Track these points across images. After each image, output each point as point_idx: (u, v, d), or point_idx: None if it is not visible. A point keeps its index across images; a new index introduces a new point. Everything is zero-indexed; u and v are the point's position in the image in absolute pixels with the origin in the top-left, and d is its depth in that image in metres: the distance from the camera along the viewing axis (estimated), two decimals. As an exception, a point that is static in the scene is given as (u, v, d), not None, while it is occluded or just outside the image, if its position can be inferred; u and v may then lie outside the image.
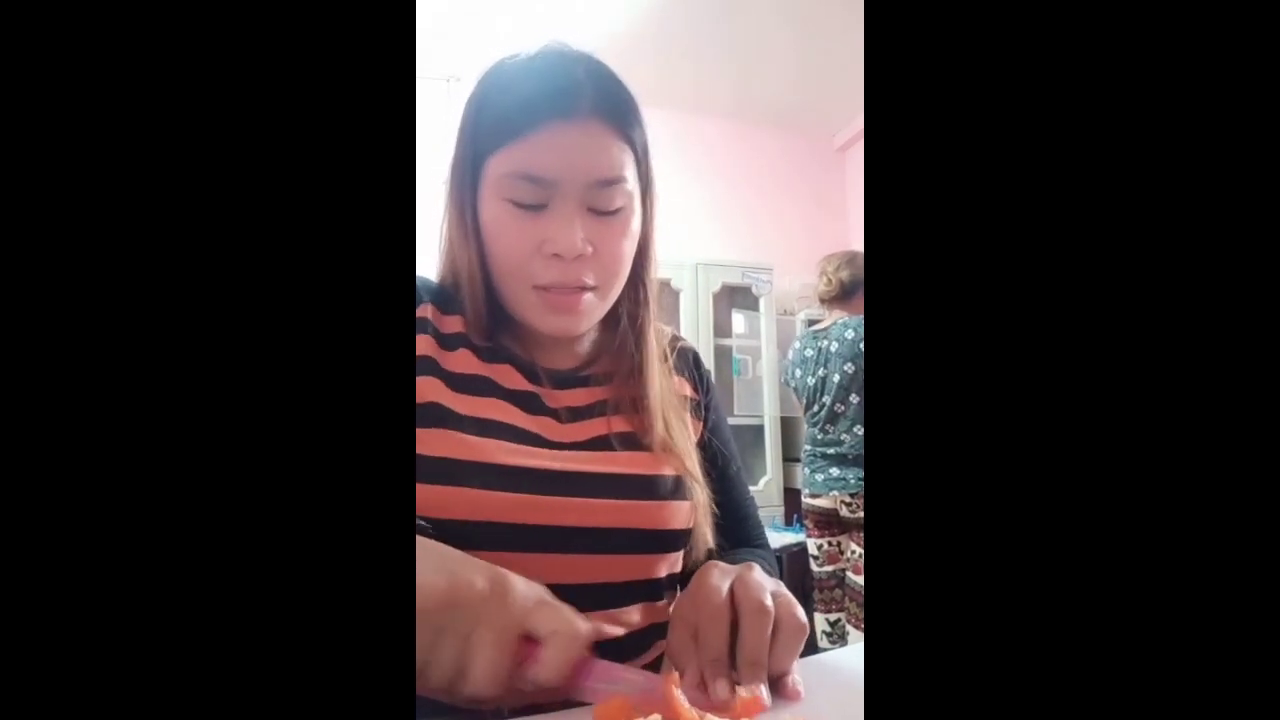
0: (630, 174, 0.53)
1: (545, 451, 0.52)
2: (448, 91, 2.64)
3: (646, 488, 0.54)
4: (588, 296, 0.53)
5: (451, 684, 0.35)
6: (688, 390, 0.65)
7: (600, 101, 0.52)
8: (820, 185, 3.49)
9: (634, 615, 0.54)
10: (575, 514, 0.50)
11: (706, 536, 0.57)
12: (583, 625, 0.37)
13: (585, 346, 0.62)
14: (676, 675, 0.36)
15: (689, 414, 0.63)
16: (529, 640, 0.36)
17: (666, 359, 0.63)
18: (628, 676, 0.37)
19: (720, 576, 0.43)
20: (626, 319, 0.60)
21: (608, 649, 0.51)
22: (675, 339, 0.68)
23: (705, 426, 0.65)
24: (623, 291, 0.58)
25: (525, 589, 0.37)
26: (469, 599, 0.35)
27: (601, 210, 0.52)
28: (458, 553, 0.38)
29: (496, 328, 0.57)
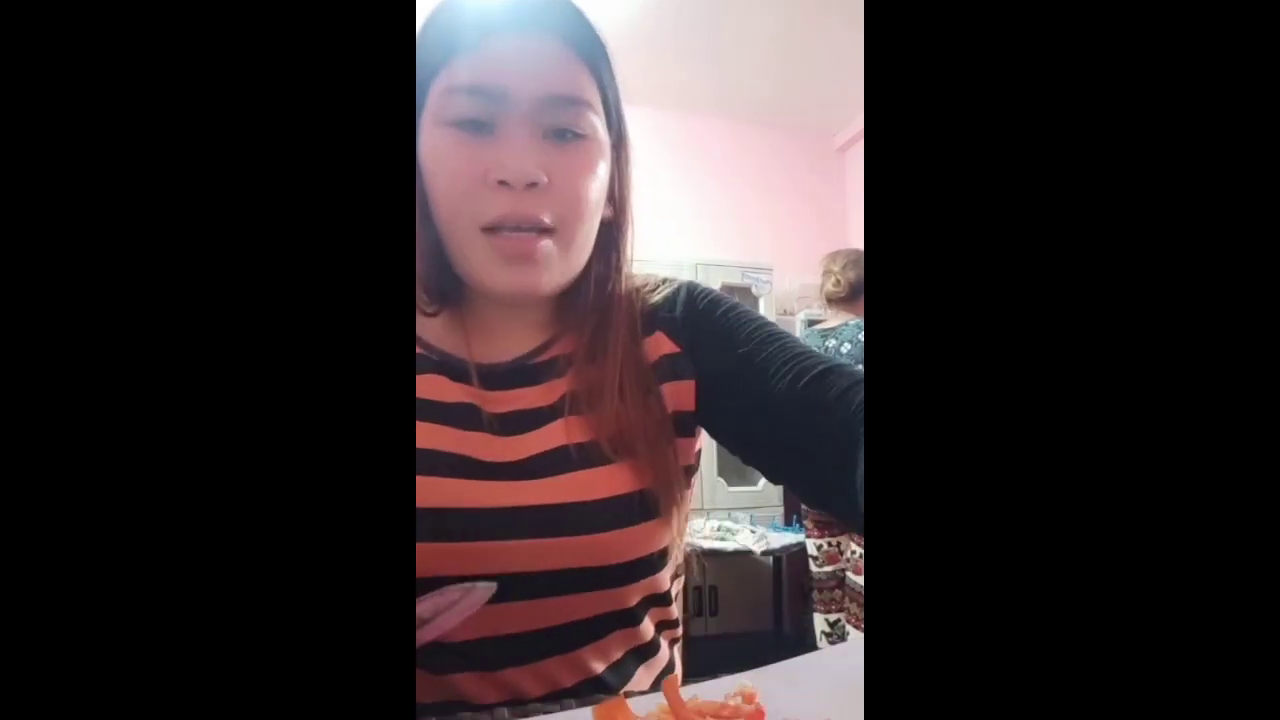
0: (595, 101, 0.46)
1: (484, 485, 0.44)
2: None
3: (602, 517, 0.45)
4: (545, 243, 0.44)
5: None
6: (666, 347, 0.51)
7: (561, 22, 0.45)
8: (820, 185, 3.49)
9: (612, 649, 0.49)
10: (526, 558, 0.43)
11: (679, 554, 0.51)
12: None
13: (540, 325, 0.52)
14: (677, 676, 0.35)
15: (672, 377, 0.51)
16: None
17: (636, 325, 0.51)
18: (450, 598, 0.34)
19: None
20: (595, 285, 0.49)
21: (591, 686, 0.47)
22: (660, 284, 0.55)
23: (702, 375, 0.50)
24: (594, 253, 0.49)
25: None
26: None
27: (560, 132, 0.44)
28: None
29: (443, 297, 0.48)
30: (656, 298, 0.54)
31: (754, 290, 2.96)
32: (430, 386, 0.47)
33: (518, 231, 0.43)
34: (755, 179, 3.35)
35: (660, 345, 0.52)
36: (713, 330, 0.51)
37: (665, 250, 2.82)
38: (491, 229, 0.44)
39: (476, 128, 0.43)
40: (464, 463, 0.45)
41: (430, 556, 0.41)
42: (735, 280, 2.93)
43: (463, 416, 0.47)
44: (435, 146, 0.44)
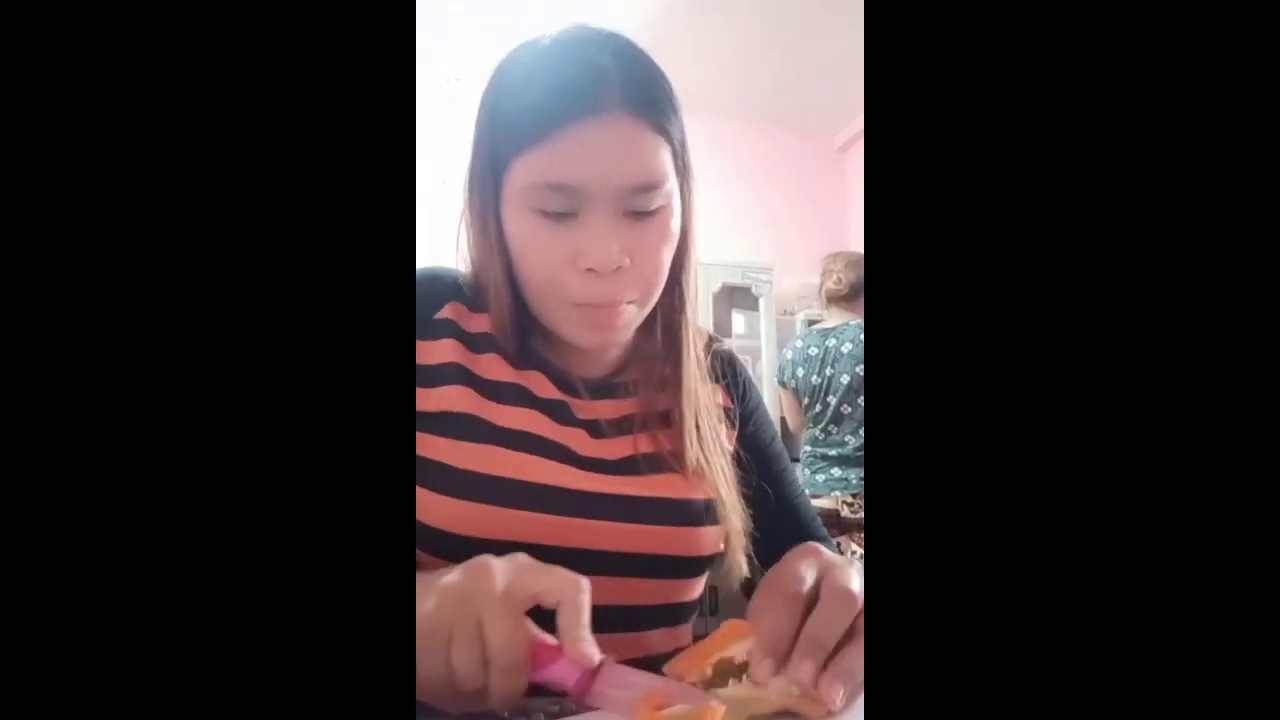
0: (670, 166, 0.47)
1: (576, 471, 0.50)
2: (448, 91, 2.64)
3: (677, 512, 0.51)
4: (627, 308, 0.49)
5: (477, 678, 0.34)
6: (721, 398, 0.61)
7: (631, 92, 0.45)
8: (820, 185, 3.49)
9: (654, 640, 0.53)
10: (603, 537, 0.49)
11: (741, 565, 0.54)
12: (581, 578, 0.36)
13: (618, 352, 0.58)
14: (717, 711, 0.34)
15: (724, 424, 0.59)
16: (544, 645, 0.35)
17: (701, 365, 0.58)
18: (641, 681, 0.36)
19: (808, 564, 0.40)
20: (661, 324, 0.55)
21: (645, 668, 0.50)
22: (711, 340, 0.63)
23: (741, 434, 0.61)
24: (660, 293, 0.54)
25: (505, 562, 0.36)
26: (458, 594, 0.34)
27: (638, 213, 0.47)
28: (433, 574, 0.37)
29: (525, 334, 0.54)
30: (711, 351, 0.62)
31: (754, 290, 2.95)
32: (536, 382, 0.53)
33: (604, 307, 0.48)
34: (755, 179, 3.35)
35: (717, 395, 0.61)
36: (752, 411, 0.64)
37: (665, 250, 2.80)
38: (580, 305, 0.48)
39: (561, 215, 0.46)
40: (563, 450, 0.50)
41: (532, 525, 0.46)
42: (735, 280, 2.92)
43: (562, 412, 0.53)
44: (522, 230, 0.47)
